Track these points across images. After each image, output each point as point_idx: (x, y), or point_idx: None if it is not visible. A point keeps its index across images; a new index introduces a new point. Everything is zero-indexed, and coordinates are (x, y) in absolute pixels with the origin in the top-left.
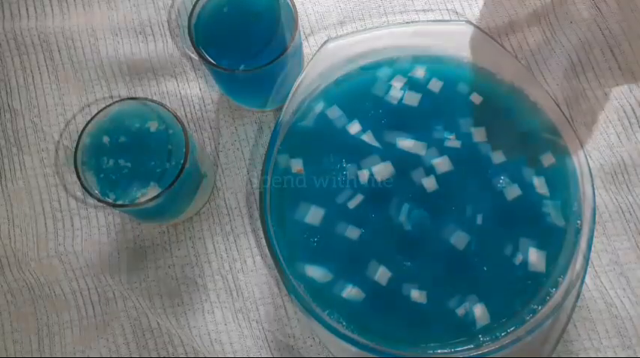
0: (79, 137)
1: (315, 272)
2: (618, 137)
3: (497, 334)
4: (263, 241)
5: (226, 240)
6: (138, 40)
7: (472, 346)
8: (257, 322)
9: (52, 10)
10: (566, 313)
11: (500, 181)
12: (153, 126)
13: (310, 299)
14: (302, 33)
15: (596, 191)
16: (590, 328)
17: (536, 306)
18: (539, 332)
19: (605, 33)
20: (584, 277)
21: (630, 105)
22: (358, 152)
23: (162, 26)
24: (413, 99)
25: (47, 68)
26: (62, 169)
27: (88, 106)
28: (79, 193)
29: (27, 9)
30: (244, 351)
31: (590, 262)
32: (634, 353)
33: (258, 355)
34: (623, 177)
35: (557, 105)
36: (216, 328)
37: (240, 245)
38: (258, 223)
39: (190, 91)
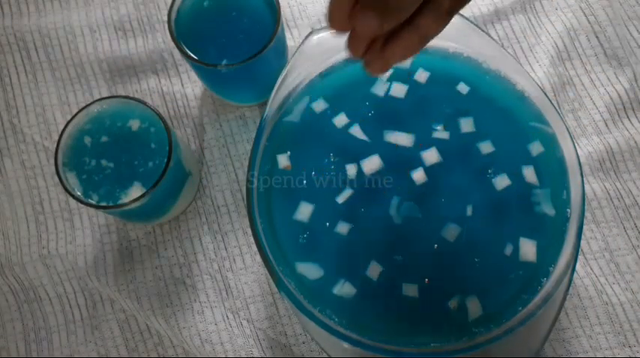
0: (60, 138)
1: (306, 269)
2: (605, 124)
3: (490, 325)
4: (251, 239)
5: (214, 239)
6: (117, 37)
7: (465, 338)
8: (248, 321)
9: (28, 7)
10: (557, 302)
11: (489, 171)
12: (135, 124)
13: (301, 296)
14: (285, 25)
15: (584, 178)
16: (582, 315)
17: (528, 296)
18: (532, 322)
19: (590, 19)
20: (574, 265)
21: (616, 91)
22: (346, 146)
23: (142, 22)
24: (399, 90)
25: (24, 68)
26: (44, 171)
27: (68, 106)
28: (62, 195)
29: (1, 7)
30: (235, 351)
31: (580, 250)
32: (625, 339)
33: (249, 354)
34: (611, 163)
35: (544, 93)
36: (207, 328)
37: (229, 243)
38: (246, 221)
39: (172, 88)
